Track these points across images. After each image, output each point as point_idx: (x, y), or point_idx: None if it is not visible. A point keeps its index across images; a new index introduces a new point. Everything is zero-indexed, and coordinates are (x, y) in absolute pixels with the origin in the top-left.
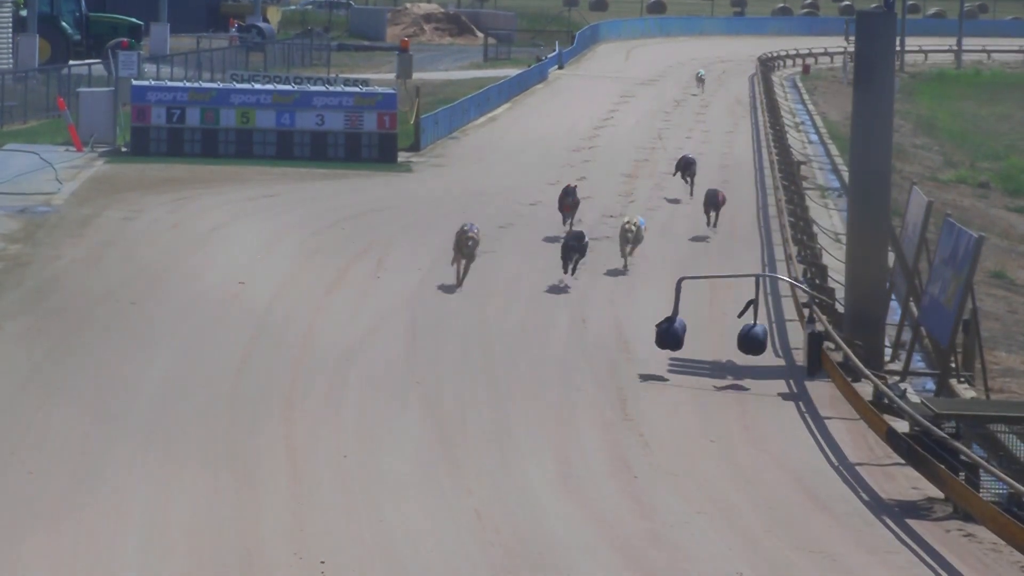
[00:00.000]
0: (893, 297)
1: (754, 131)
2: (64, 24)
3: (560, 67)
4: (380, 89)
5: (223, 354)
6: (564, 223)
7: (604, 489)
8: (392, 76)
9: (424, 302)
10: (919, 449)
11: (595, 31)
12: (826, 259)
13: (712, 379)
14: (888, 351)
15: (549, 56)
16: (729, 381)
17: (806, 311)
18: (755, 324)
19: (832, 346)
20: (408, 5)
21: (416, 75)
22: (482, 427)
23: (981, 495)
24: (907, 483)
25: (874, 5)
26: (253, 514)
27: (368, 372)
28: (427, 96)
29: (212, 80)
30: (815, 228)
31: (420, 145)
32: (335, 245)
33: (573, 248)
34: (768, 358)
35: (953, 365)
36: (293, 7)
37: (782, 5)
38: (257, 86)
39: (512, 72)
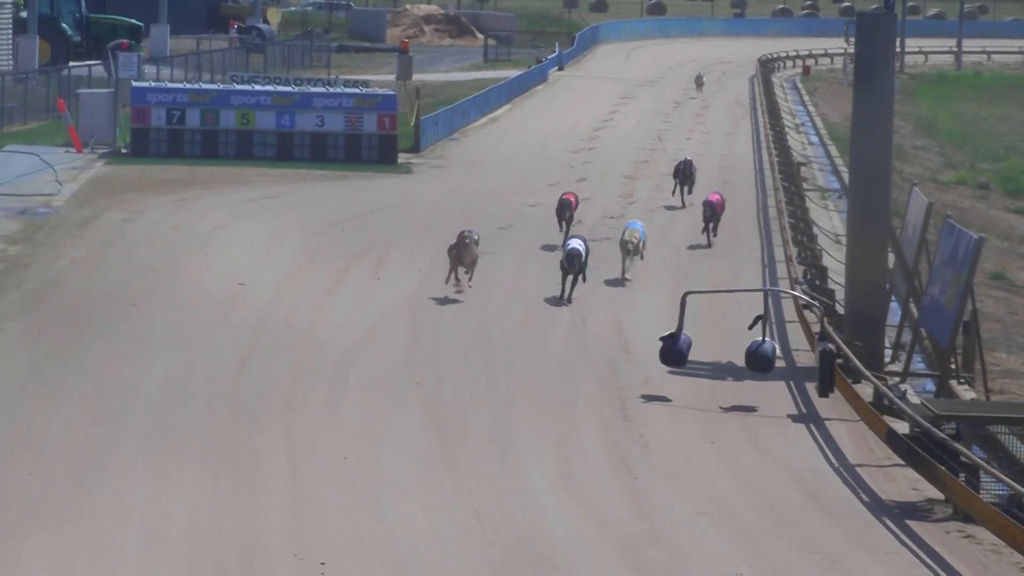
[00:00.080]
0: (893, 298)
1: (754, 132)
2: (64, 25)
3: (560, 68)
4: (380, 90)
5: (223, 354)
6: (560, 230)
7: (604, 489)
8: (392, 77)
9: (424, 302)
10: (919, 450)
11: (595, 32)
12: (826, 260)
13: (712, 380)
14: (888, 352)
15: (549, 57)
16: (729, 382)
17: (815, 328)
18: (764, 340)
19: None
20: (408, 6)
21: (416, 76)
22: (482, 427)
23: (981, 496)
24: (907, 484)
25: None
26: (253, 514)
27: (368, 372)
28: (427, 97)
29: (212, 81)
30: (815, 229)
31: (420, 146)
32: (335, 246)
33: (573, 266)
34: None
35: (953, 366)
36: (293, 8)
37: (782, 6)
38: (257, 87)
39: (512, 73)
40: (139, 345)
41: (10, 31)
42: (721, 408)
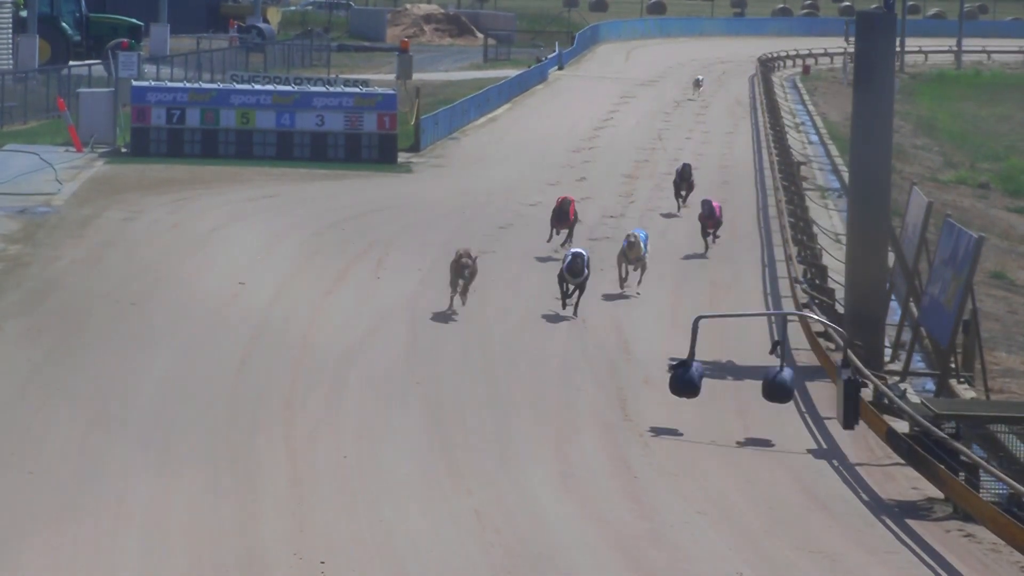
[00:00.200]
0: (893, 297)
1: (754, 132)
2: (64, 25)
3: (560, 68)
4: (380, 90)
5: (223, 355)
6: (554, 236)
7: (604, 489)
8: (392, 77)
9: (424, 302)
10: (919, 449)
11: (595, 32)
12: (826, 259)
13: (712, 379)
14: (888, 351)
15: (549, 57)
16: (729, 381)
17: (831, 350)
18: (781, 368)
19: (832, 346)
20: (408, 6)
21: (416, 76)
22: (482, 427)
23: (981, 495)
24: (907, 483)
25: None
26: (253, 514)
27: (368, 372)
28: (427, 97)
29: (212, 81)
30: (815, 228)
31: (420, 146)
32: (335, 246)
33: (575, 276)
34: (767, 358)
35: (953, 365)
36: (293, 8)
37: (782, 6)
38: (257, 87)
39: (512, 73)
40: (139, 345)
41: (10, 30)
42: (721, 408)
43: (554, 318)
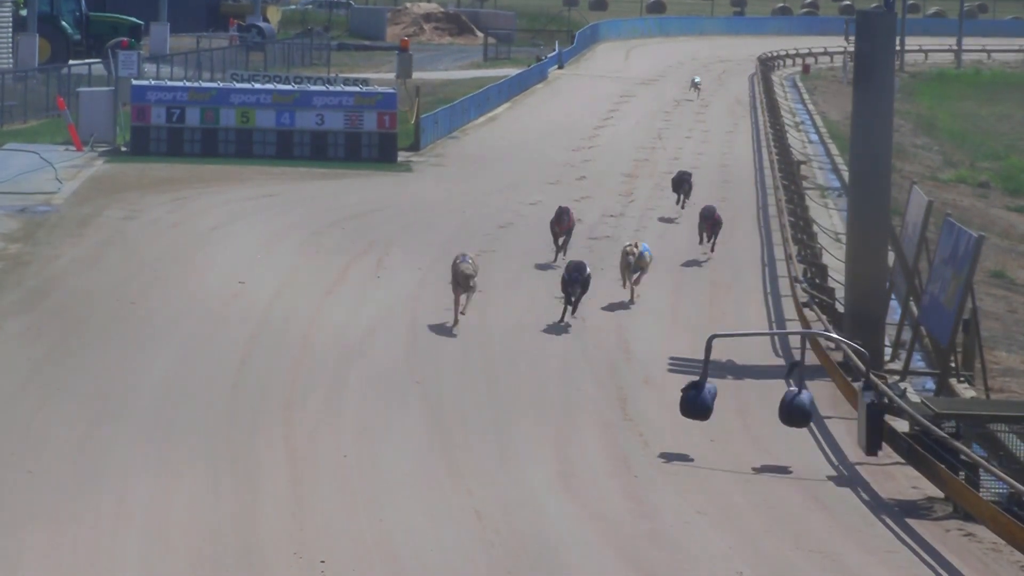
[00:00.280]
0: (893, 297)
1: (754, 131)
2: (64, 24)
3: (560, 67)
4: (380, 89)
5: (223, 354)
6: (556, 243)
7: (604, 489)
8: (392, 76)
9: (424, 302)
10: (919, 448)
11: (595, 31)
12: (826, 259)
13: (712, 379)
14: (888, 351)
15: (549, 56)
16: (729, 381)
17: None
18: (800, 390)
19: (832, 345)
20: (408, 5)
21: (416, 75)
22: (482, 427)
23: (981, 495)
24: (907, 483)
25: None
26: (253, 513)
27: (368, 372)
28: (427, 96)
29: (212, 80)
30: (815, 228)
31: (420, 145)
32: (335, 245)
33: (575, 281)
34: (767, 358)
35: (953, 365)
36: (293, 7)
37: (782, 5)
38: (257, 86)
39: (512, 72)
40: (139, 344)
41: (10, 29)
42: (721, 408)
43: (554, 318)
